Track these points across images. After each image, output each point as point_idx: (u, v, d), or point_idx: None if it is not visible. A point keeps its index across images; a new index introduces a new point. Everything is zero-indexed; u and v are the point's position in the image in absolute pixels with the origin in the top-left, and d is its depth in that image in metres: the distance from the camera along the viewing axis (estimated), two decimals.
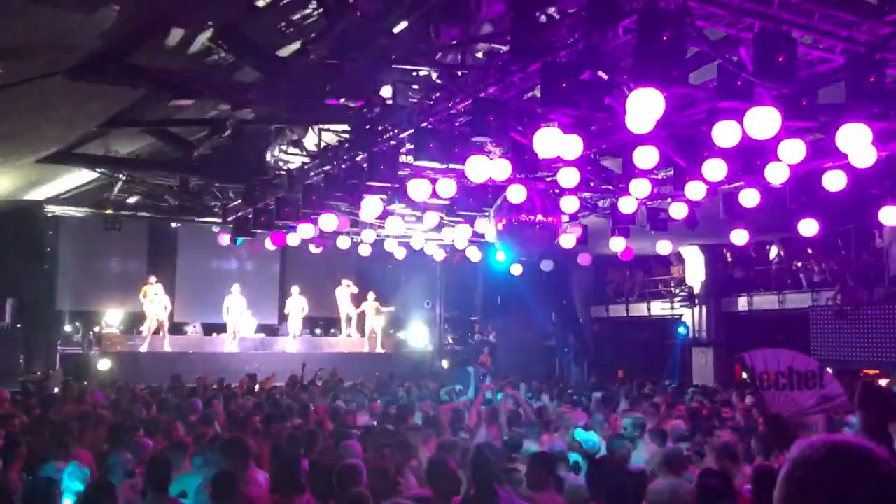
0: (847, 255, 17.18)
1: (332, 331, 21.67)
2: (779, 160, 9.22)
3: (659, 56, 6.27)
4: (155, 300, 18.38)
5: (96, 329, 18.80)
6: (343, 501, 4.71)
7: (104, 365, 16.87)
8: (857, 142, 7.49)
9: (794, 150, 8.60)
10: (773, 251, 19.12)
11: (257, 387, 14.20)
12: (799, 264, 18.43)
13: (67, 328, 18.64)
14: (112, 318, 19.30)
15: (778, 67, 6.39)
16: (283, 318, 21.74)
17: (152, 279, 18.68)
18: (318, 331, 21.50)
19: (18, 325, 17.77)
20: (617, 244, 14.82)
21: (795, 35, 6.63)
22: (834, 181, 10.05)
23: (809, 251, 17.90)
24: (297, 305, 20.10)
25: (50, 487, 4.79)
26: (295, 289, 20.26)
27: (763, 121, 7.21)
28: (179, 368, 15.63)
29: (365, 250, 18.26)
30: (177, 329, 19.59)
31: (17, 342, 17.48)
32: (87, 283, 19.29)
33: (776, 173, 9.84)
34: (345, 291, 20.90)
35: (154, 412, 9.69)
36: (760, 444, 6.52)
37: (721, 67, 7.22)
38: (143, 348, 18.22)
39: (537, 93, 8.11)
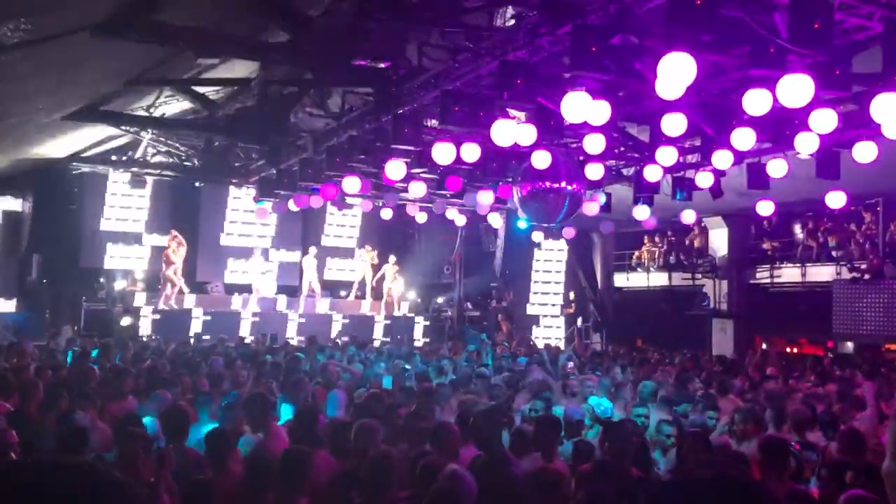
0: (874, 227, 16.94)
1: (343, 293, 21.75)
2: (809, 130, 9.08)
3: (691, 20, 6.17)
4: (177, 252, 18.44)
5: (119, 286, 18.98)
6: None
7: (126, 321, 17.09)
8: (891, 112, 7.36)
9: (825, 120, 8.47)
10: (798, 229, 18.89)
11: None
12: (821, 238, 18.21)
13: (92, 285, 18.81)
14: (136, 275, 19.47)
15: (813, 34, 6.25)
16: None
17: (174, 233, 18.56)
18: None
19: (44, 281, 18.05)
20: (640, 213, 14.69)
21: (832, 0, 6.49)
22: (864, 153, 9.89)
23: (851, 226, 17.60)
24: (311, 266, 20.29)
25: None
26: (312, 249, 20.42)
27: (795, 89, 7.08)
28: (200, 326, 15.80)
29: (386, 214, 18.30)
30: (198, 288, 19.74)
31: (42, 298, 17.80)
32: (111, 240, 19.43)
33: (806, 144, 9.70)
34: (364, 257, 21.01)
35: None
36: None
37: (754, 33, 7.08)
38: (161, 305, 18.26)
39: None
